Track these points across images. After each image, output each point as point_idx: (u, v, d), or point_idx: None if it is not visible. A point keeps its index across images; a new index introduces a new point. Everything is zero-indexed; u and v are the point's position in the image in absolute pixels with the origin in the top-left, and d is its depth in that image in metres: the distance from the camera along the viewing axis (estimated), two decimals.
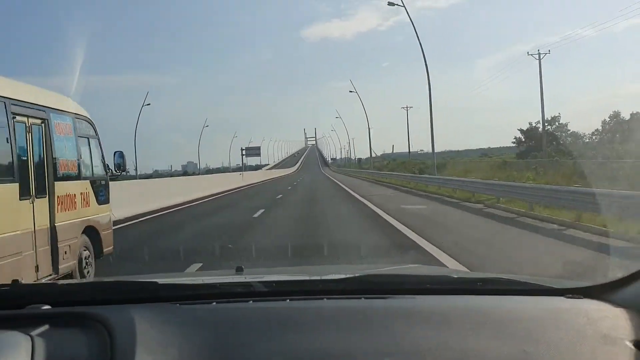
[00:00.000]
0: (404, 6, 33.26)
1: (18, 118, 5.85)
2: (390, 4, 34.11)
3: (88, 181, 7.34)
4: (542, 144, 45.77)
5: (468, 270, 6.31)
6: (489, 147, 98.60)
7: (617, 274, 1.66)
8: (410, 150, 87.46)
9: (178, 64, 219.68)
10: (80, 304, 1.63)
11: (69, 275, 6.66)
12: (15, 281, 1.68)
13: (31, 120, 6.11)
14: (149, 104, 61.71)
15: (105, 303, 1.63)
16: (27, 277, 5.68)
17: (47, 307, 1.56)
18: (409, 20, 32.80)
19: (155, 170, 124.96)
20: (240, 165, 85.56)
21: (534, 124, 52.88)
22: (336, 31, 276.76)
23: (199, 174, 64.20)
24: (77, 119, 7.23)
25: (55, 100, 6.89)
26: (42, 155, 6.29)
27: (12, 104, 5.76)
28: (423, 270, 2.81)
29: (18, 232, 5.61)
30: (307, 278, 2.15)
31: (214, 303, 1.65)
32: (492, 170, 36.01)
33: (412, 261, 7.59)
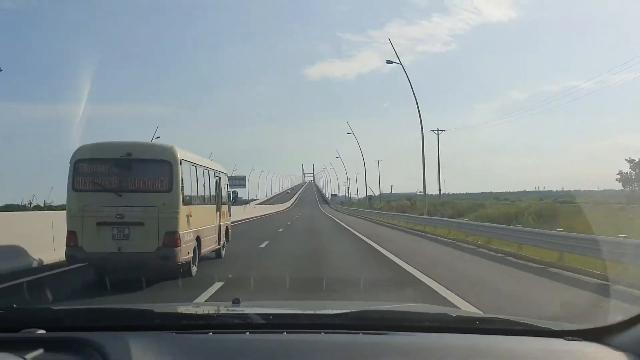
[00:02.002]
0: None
1: (215, 177, 13.65)
2: (388, 62, 36.66)
3: (227, 205, 15.11)
4: None
5: (468, 310, 6.21)
6: (492, 192, 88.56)
7: (617, 317, 1.61)
8: (408, 192, 78.69)
9: (178, 96, 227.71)
10: (75, 329, 1.67)
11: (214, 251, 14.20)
12: (11, 306, 1.72)
13: (217, 177, 13.87)
14: (158, 137, 51.85)
15: (101, 329, 1.67)
16: (214, 245, 13.30)
17: (41, 331, 1.60)
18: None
19: None
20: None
21: None
22: (338, 71, 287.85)
23: None
24: (225, 175, 15.09)
25: (220, 167, 14.80)
26: (218, 193, 14.03)
27: (213, 171, 13.56)
28: (421, 308, 2.73)
29: (215, 225, 13.32)
30: (304, 312, 2.17)
31: (211, 333, 1.70)
32: None
33: (412, 299, 7.30)
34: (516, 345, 1.63)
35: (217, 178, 13.91)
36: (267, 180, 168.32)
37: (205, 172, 12.40)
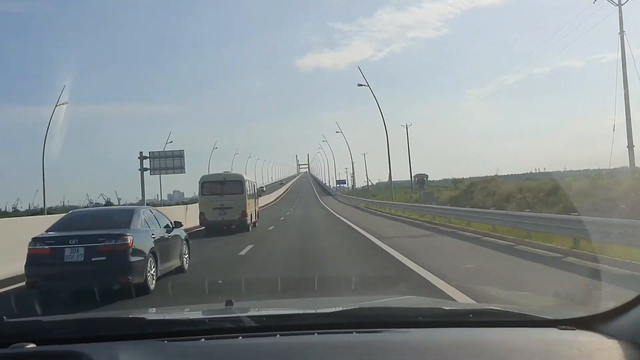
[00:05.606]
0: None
1: (253, 184, 27.14)
2: (359, 85, 41.57)
3: (259, 197, 28.70)
4: None
5: (459, 301, 6.26)
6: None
7: (609, 303, 1.60)
8: (402, 180, 72.03)
9: (170, 94, 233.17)
10: (66, 341, 1.67)
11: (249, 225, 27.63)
12: (0, 318, 1.72)
13: (252, 185, 27.29)
14: (171, 142, 55.06)
15: (91, 340, 1.66)
16: (255, 219, 26.72)
17: (31, 345, 1.58)
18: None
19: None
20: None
21: None
22: (330, 61, 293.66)
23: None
24: (255, 182, 28.69)
25: (251, 178, 28.54)
26: (255, 192, 27.40)
27: (252, 182, 27.05)
28: (414, 301, 2.75)
29: (254, 209, 26.75)
30: (297, 312, 2.16)
31: (203, 339, 1.67)
32: None
33: (402, 292, 7.27)
34: (510, 337, 1.64)
35: (254, 184, 27.37)
36: (260, 171, 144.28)
37: (251, 182, 25.92)
